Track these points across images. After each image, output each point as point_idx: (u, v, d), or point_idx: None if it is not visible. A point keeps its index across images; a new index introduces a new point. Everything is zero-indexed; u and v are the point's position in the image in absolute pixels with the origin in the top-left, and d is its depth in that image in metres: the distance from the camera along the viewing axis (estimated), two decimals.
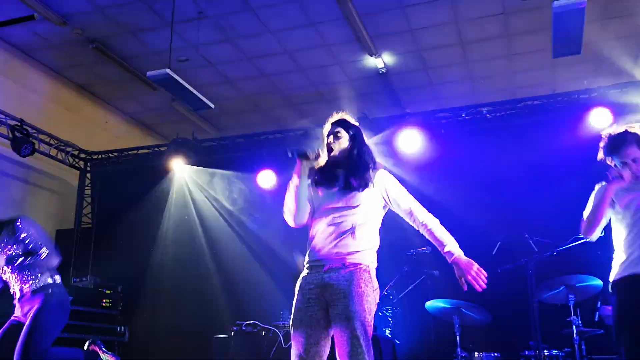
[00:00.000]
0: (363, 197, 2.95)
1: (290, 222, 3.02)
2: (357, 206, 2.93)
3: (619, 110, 6.12)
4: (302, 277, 2.94)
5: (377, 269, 2.96)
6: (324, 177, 3.04)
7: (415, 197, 3.06)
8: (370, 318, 2.77)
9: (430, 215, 2.99)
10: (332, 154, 3.04)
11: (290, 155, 2.95)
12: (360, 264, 2.85)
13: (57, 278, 4.03)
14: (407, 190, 3.06)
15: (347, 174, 2.99)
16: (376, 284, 2.89)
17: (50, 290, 3.92)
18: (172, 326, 7.24)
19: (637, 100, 6.27)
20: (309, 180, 3.06)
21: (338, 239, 2.87)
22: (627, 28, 7.16)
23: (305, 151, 2.96)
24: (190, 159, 7.83)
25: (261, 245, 6.95)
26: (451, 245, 2.95)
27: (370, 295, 2.81)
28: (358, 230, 2.89)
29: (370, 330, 2.76)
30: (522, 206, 6.08)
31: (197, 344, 6.64)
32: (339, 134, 3.06)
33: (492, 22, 7.09)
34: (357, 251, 2.87)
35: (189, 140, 7.87)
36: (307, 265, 2.95)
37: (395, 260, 5.37)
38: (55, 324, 3.91)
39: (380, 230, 3.05)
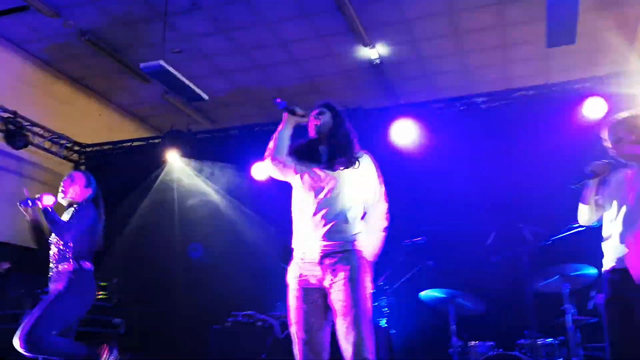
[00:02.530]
0: (351, 177, 2.97)
1: (267, 160, 3.09)
2: (346, 186, 2.94)
3: (614, 100, 6.13)
4: (296, 264, 2.94)
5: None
6: (309, 154, 3.08)
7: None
8: (369, 304, 2.81)
9: (383, 219, 3.05)
10: (316, 132, 3.10)
11: (277, 102, 3.09)
12: (356, 249, 2.87)
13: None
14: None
15: (333, 151, 3.03)
16: (370, 268, 2.92)
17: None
18: (167, 317, 7.25)
19: (632, 89, 6.27)
20: (296, 155, 3.11)
21: (331, 224, 2.87)
22: (621, 17, 7.16)
23: (292, 107, 3.09)
24: (185, 150, 7.80)
25: (256, 236, 6.95)
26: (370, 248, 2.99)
27: (368, 280, 2.86)
28: (350, 214, 2.91)
29: (370, 315, 2.79)
30: (517, 196, 6.09)
31: (193, 335, 6.64)
32: (321, 114, 3.12)
33: (487, 12, 7.07)
34: (352, 236, 2.89)
35: (183, 132, 7.84)
36: (301, 251, 2.94)
37: (390, 251, 5.35)
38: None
39: None
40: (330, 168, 2.98)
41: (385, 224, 3.06)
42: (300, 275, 2.90)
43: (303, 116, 3.08)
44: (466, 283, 5.35)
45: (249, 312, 5.20)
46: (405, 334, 5.71)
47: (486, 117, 6.91)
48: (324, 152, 3.07)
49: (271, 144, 3.07)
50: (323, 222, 2.89)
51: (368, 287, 2.84)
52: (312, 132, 3.12)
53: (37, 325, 3.66)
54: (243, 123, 8.41)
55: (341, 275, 2.79)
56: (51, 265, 3.99)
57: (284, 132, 3.06)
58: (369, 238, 2.98)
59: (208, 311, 6.40)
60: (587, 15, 6.54)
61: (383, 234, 3.05)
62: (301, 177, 3.05)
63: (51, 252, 4.02)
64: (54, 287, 3.91)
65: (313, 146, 3.11)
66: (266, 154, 3.09)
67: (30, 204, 3.96)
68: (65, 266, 3.93)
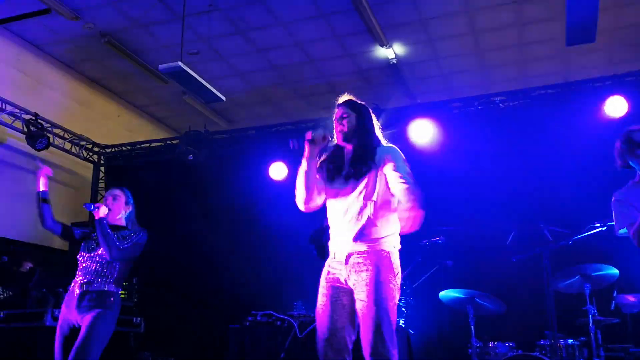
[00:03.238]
0: (374, 179, 2.95)
1: (301, 207, 3.08)
2: (371, 189, 2.93)
3: (635, 99, 6.06)
4: (328, 263, 2.98)
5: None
6: (334, 163, 3.06)
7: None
8: (392, 305, 2.79)
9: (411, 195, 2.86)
10: (343, 138, 3.05)
11: (293, 146, 2.98)
12: (381, 251, 2.86)
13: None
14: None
15: (356, 157, 3.00)
16: (398, 269, 2.90)
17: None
18: (187, 317, 7.30)
19: None
20: (321, 168, 3.07)
21: (360, 226, 2.88)
22: None
23: (312, 135, 2.97)
24: (202, 151, 7.85)
25: (274, 236, 6.96)
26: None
27: (392, 281, 2.83)
28: (377, 216, 2.90)
29: (393, 317, 2.78)
30: (537, 195, 6.05)
31: (212, 334, 6.68)
32: (345, 117, 3.06)
33: (505, 10, 7.03)
34: (378, 238, 2.88)
35: (200, 133, 7.89)
36: (333, 250, 2.98)
37: (408, 251, 5.34)
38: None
39: None
40: (356, 176, 2.96)
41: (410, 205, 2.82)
42: (329, 273, 2.94)
43: (324, 137, 2.99)
44: (486, 283, 5.33)
45: (268, 311, 5.22)
46: (424, 334, 5.68)
47: (504, 117, 6.86)
48: (348, 157, 3.05)
49: (300, 188, 3.01)
50: (352, 223, 2.90)
51: (392, 289, 2.81)
52: (338, 139, 3.07)
53: (90, 353, 3.62)
54: (260, 123, 8.45)
55: (364, 275, 2.80)
56: (85, 280, 3.83)
57: (310, 171, 2.98)
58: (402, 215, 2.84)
59: (227, 311, 6.45)
60: (607, 12, 6.49)
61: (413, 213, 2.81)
62: (329, 186, 3.06)
63: (86, 267, 3.87)
64: (94, 308, 3.75)
65: (338, 155, 3.08)
66: (299, 201, 3.05)
67: (92, 209, 3.91)
68: (107, 288, 3.84)
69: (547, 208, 5.76)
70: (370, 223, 2.89)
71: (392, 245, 2.91)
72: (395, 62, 8.02)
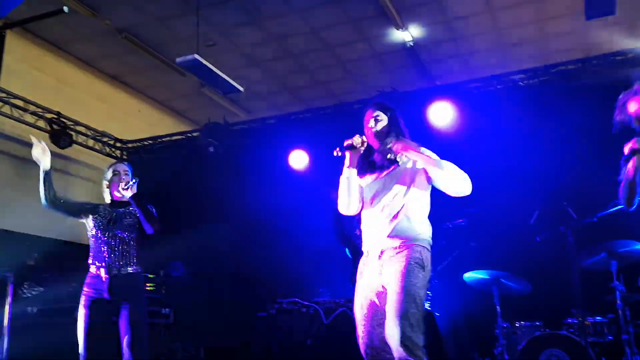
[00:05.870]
0: (402, 176, 2.95)
1: (346, 212, 3.07)
2: (401, 187, 2.93)
3: None
4: (362, 261, 2.98)
5: None
6: (367, 164, 3.05)
7: None
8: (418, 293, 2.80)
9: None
10: (375, 138, 3.03)
11: (338, 154, 2.97)
12: (413, 245, 2.86)
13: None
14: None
15: (385, 156, 3.00)
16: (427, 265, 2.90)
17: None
18: (214, 306, 7.40)
19: None
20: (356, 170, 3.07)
21: (390, 223, 2.88)
22: None
23: (350, 142, 2.97)
24: (223, 142, 7.90)
25: (297, 224, 7.00)
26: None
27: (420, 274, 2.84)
28: (409, 212, 2.90)
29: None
30: (560, 173, 5.98)
31: (239, 322, 6.77)
32: (378, 117, 3.06)
33: None
34: (410, 233, 2.87)
35: (220, 124, 7.93)
36: (366, 250, 2.99)
37: (432, 234, 5.36)
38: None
39: None
40: (387, 175, 2.98)
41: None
42: (366, 269, 2.98)
43: (362, 142, 2.98)
44: (510, 263, 5.30)
45: (293, 299, 5.27)
46: (450, 316, 5.69)
47: (525, 95, 6.78)
48: (380, 158, 3.04)
49: (344, 196, 2.99)
50: (385, 221, 2.90)
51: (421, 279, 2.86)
52: (370, 140, 3.04)
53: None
54: (279, 112, 8.46)
55: (395, 269, 2.86)
56: (121, 263, 3.81)
57: (352, 177, 2.97)
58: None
59: (253, 299, 6.52)
60: None
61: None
62: (364, 188, 3.05)
63: (118, 251, 3.85)
64: (136, 289, 3.84)
65: (372, 154, 3.06)
66: (343, 209, 3.03)
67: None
68: (137, 268, 3.89)
69: (570, 185, 5.69)
70: (404, 219, 2.89)
71: (423, 238, 2.91)
72: (412, 44, 7.95)
